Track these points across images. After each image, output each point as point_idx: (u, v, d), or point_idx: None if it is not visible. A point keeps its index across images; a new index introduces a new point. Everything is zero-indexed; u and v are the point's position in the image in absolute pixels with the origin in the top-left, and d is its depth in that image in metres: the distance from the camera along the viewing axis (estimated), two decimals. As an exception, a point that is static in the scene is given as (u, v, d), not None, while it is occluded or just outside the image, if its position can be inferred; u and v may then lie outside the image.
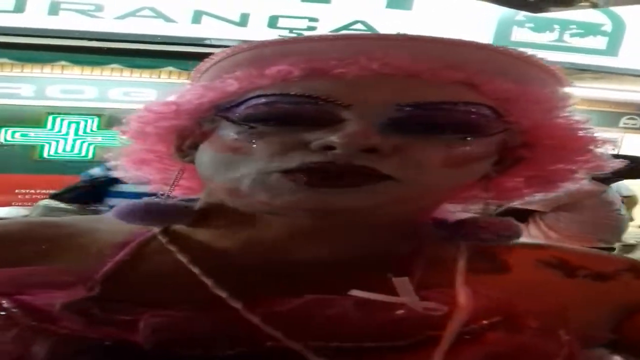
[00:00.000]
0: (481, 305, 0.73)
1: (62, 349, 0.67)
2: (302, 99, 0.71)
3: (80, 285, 0.73)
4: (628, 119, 10.15)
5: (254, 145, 0.71)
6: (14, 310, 0.70)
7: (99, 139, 7.74)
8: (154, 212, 0.82)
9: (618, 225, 4.97)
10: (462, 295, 0.73)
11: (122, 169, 0.90)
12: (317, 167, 0.69)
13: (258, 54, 0.76)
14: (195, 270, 0.75)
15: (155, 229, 0.83)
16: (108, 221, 0.84)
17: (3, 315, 0.70)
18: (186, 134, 0.82)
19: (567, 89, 0.83)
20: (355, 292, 0.70)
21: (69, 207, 5.89)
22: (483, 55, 0.76)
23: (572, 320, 0.76)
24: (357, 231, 0.77)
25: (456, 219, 0.86)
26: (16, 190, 7.49)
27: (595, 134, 0.82)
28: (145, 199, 0.84)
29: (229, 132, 0.74)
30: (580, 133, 0.81)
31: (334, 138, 0.67)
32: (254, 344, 0.67)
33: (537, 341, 0.72)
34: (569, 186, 0.87)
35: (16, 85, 7.35)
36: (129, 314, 0.69)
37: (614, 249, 4.67)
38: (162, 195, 0.86)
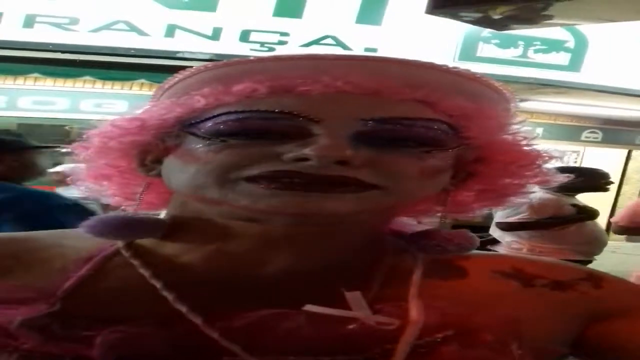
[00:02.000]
0: (434, 319, 0.73)
1: None
2: (274, 114, 0.73)
3: (41, 301, 0.72)
4: (589, 132, 10.37)
5: (223, 156, 0.73)
6: None
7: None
8: (127, 225, 0.82)
9: (598, 237, 5.10)
10: (415, 309, 0.74)
11: (83, 184, 0.89)
12: (290, 174, 0.70)
13: (223, 73, 0.77)
14: (157, 284, 0.75)
15: (120, 244, 0.82)
16: (74, 236, 0.84)
17: None
18: (148, 149, 0.82)
19: (515, 106, 0.86)
20: (309, 307, 0.70)
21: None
22: (439, 76, 0.78)
23: (528, 332, 0.77)
24: (325, 241, 0.78)
25: (413, 230, 0.88)
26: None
27: (542, 150, 0.85)
28: (117, 213, 0.85)
29: (197, 146, 0.75)
30: (528, 149, 0.84)
31: (307, 151, 0.69)
32: (212, 358, 0.68)
33: (490, 355, 0.73)
34: (516, 200, 0.91)
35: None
36: (89, 330, 0.69)
37: (591, 261, 4.76)
38: (124, 209, 0.89)
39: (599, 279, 0.87)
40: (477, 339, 0.73)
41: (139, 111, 0.81)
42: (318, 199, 0.70)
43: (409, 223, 0.91)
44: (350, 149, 0.70)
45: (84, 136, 0.84)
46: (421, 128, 0.76)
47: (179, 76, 0.80)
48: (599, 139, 10.41)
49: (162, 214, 0.89)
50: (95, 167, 0.87)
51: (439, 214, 0.88)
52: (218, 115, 0.74)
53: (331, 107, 0.73)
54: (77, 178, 0.89)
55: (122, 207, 0.89)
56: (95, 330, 0.68)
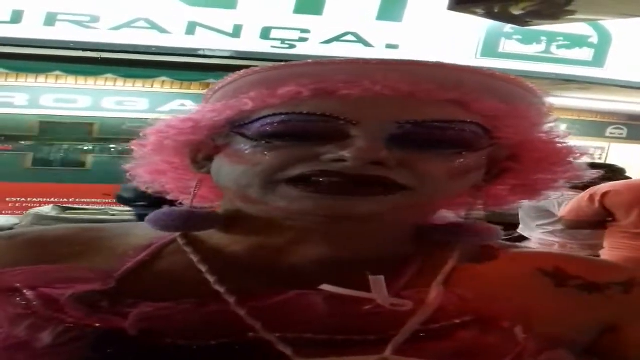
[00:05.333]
0: (452, 304, 0.77)
1: (63, 336, 0.74)
2: (314, 117, 0.77)
3: (98, 281, 0.80)
4: (614, 128, 10.28)
5: (268, 157, 0.78)
6: (34, 302, 0.77)
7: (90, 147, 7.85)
8: (186, 218, 0.88)
9: None
10: (433, 294, 0.77)
11: (140, 178, 0.95)
12: (327, 174, 0.75)
13: (269, 76, 0.82)
14: (203, 268, 0.81)
15: (177, 233, 0.89)
16: (142, 227, 0.91)
17: (24, 305, 0.78)
18: (199, 148, 0.88)
19: (547, 105, 0.88)
20: (325, 287, 0.75)
21: (60, 215, 5.91)
22: (472, 77, 0.81)
23: (542, 325, 0.78)
24: (358, 236, 0.82)
25: (448, 222, 0.91)
26: (7, 199, 7.53)
27: (574, 146, 0.88)
28: (177, 208, 0.92)
29: (245, 147, 0.80)
30: (560, 146, 0.87)
31: (345, 152, 0.74)
32: (236, 335, 0.73)
33: (502, 342, 0.76)
34: (550, 194, 0.94)
35: (10, 94, 7.46)
36: (132, 306, 0.75)
37: None
38: (181, 204, 0.94)
39: (636, 285, 0.86)
40: (494, 326, 0.76)
41: (192, 112, 0.87)
42: (346, 202, 0.75)
43: (448, 216, 0.93)
44: (385, 150, 0.75)
45: (141, 134, 0.90)
46: (453, 130, 0.79)
47: (228, 79, 0.86)
48: (624, 135, 10.31)
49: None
50: (151, 163, 0.93)
51: (477, 208, 0.91)
52: (264, 117, 0.79)
53: (369, 110, 0.77)
54: (134, 173, 0.95)
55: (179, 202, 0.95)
56: (137, 307, 0.75)
